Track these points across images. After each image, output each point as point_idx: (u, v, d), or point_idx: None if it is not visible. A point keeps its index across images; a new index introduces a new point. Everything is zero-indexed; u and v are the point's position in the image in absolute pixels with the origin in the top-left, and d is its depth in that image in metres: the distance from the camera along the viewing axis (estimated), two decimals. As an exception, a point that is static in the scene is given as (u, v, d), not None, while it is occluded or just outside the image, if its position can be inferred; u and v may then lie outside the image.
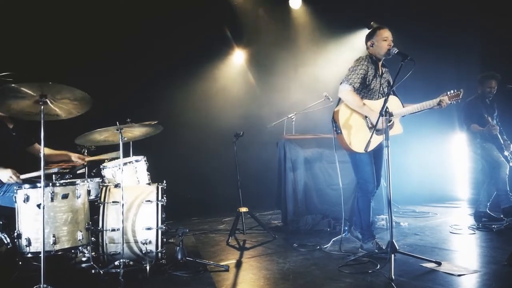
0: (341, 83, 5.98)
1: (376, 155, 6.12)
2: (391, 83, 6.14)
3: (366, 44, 6.21)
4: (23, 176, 5.75)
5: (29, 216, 5.20)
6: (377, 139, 5.75)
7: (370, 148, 5.60)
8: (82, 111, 5.33)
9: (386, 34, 5.98)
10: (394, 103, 5.98)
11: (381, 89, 6.14)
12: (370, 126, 5.85)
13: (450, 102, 5.85)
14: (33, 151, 6.47)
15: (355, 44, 12.31)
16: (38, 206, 5.05)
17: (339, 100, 6.10)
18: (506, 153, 8.23)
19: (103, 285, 5.21)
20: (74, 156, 6.61)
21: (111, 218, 5.75)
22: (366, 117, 5.89)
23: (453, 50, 12.26)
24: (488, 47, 10.98)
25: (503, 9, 10.22)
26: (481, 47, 11.34)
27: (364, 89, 6.04)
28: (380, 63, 6.20)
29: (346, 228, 6.80)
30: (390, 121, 5.86)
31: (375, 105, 5.86)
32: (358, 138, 5.80)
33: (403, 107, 6.02)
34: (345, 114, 5.91)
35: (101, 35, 10.12)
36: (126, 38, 10.54)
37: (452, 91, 5.87)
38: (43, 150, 4.87)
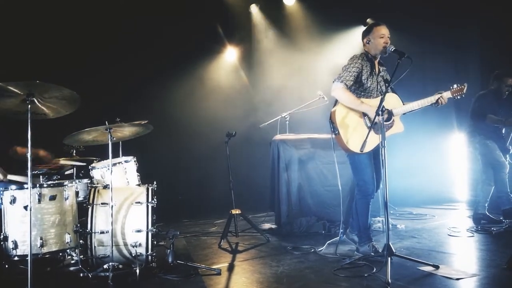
0: (333, 81, 5.88)
1: (376, 156, 6.00)
2: (389, 82, 6.04)
3: (363, 40, 6.13)
4: (10, 177, 5.70)
5: (16, 218, 5.17)
6: (375, 140, 5.61)
7: (368, 149, 5.53)
8: (70, 110, 5.25)
9: (383, 31, 5.89)
10: (393, 101, 5.89)
11: (379, 87, 6.04)
12: (368, 125, 5.73)
13: (452, 96, 5.71)
14: (13, 155, 6.36)
15: (351, 41, 12.28)
16: (25, 207, 5.02)
17: (336, 101, 5.99)
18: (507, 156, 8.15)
19: (92, 289, 5.12)
20: (41, 152, 6.56)
21: (100, 220, 5.65)
22: (364, 116, 5.80)
23: (451, 48, 12.22)
24: (487, 44, 10.93)
25: (503, 6, 10.16)
26: (480, 44, 11.30)
27: (360, 88, 5.96)
28: (376, 61, 6.11)
29: (342, 230, 6.68)
30: (390, 119, 5.75)
31: (373, 103, 5.76)
32: (356, 138, 5.70)
33: (403, 104, 5.90)
34: (342, 114, 5.82)
35: (91, 34, 10.09)
36: (116, 37, 10.51)
37: (455, 86, 5.70)
38: (30, 150, 4.75)
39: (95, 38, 10.21)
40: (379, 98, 5.71)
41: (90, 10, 10.03)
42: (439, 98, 5.69)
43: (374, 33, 5.93)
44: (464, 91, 5.70)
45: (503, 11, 10.10)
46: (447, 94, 5.70)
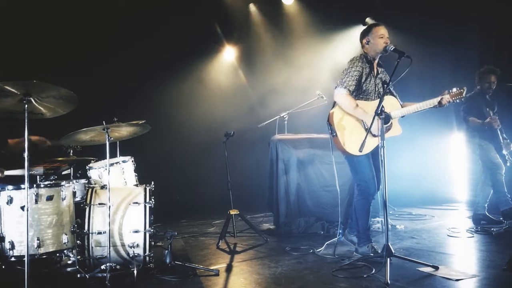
0: (335, 87, 5.88)
1: (375, 157, 6.00)
2: (388, 83, 6.03)
3: (361, 41, 6.10)
4: (7, 172, 5.68)
5: (13, 219, 5.15)
6: (374, 141, 5.63)
7: (366, 150, 5.51)
8: (67, 110, 5.22)
9: (382, 31, 5.88)
10: (391, 103, 5.88)
11: (377, 89, 6.03)
12: (366, 127, 5.72)
13: (452, 100, 5.69)
14: (10, 149, 6.28)
15: (350, 40, 12.25)
16: (22, 208, 4.97)
17: (334, 102, 5.97)
18: (504, 152, 8.10)
19: (89, 290, 5.11)
20: (34, 138, 6.44)
21: (97, 221, 5.64)
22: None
23: (450, 46, 12.20)
24: (487, 42, 10.91)
25: (502, 3, 10.14)
26: (479, 43, 11.29)
27: (359, 90, 5.94)
28: (375, 63, 6.09)
29: (341, 231, 6.65)
30: (388, 122, 5.72)
31: (371, 106, 5.77)
32: (354, 140, 5.69)
33: (402, 107, 5.89)
34: (340, 116, 5.83)
35: (89, 34, 10.06)
36: (114, 36, 10.45)
37: (455, 89, 5.69)
38: (27, 150, 4.70)
39: (93, 38, 10.19)
40: (377, 101, 5.70)
41: (88, 9, 10.00)
42: (441, 99, 5.67)
43: (373, 33, 5.91)
44: (464, 94, 5.69)
45: (504, 7, 10.07)
46: (447, 97, 5.69)
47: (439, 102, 5.68)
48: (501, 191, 8.00)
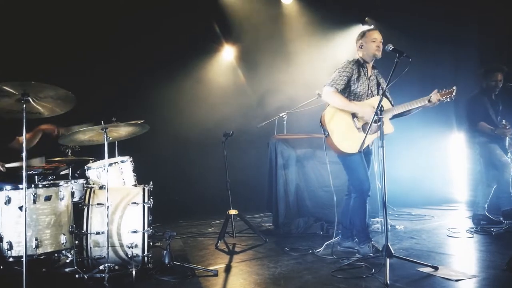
0: (324, 85, 6.00)
1: (366, 155, 6.06)
2: (381, 85, 6.26)
3: (356, 45, 6.27)
4: (7, 165, 5.68)
5: (11, 219, 5.14)
6: (369, 138, 5.70)
7: (361, 147, 5.52)
8: (65, 110, 5.21)
9: (375, 35, 6.07)
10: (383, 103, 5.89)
11: (370, 92, 6.19)
12: (357, 127, 5.89)
13: (442, 99, 5.74)
14: (15, 145, 6.27)
15: (349, 40, 12.21)
16: (20, 208, 4.96)
17: (328, 104, 6.00)
18: (509, 153, 8.06)
19: (87, 291, 5.09)
20: (43, 126, 6.43)
21: (96, 221, 5.62)
22: (353, 118, 5.91)
23: (450, 46, 12.19)
24: (487, 42, 10.90)
25: (502, 3, 10.13)
26: (479, 43, 11.26)
27: (350, 92, 6.08)
28: (369, 65, 6.25)
29: (340, 231, 6.63)
30: (378, 120, 5.75)
31: (364, 103, 5.91)
32: (347, 139, 5.84)
33: (392, 106, 5.96)
34: (331, 116, 5.95)
35: (88, 33, 10.03)
36: (112, 36, 10.43)
37: (444, 89, 5.78)
38: (25, 149, 4.69)
39: (93, 38, 10.17)
40: (370, 100, 5.89)
41: (88, 9, 9.98)
42: (430, 97, 5.72)
43: (366, 37, 6.12)
44: (454, 94, 5.76)
45: (504, 7, 10.06)
46: (436, 96, 5.73)
47: (429, 101, 5.73)
48: (506, 191, 7.90)
